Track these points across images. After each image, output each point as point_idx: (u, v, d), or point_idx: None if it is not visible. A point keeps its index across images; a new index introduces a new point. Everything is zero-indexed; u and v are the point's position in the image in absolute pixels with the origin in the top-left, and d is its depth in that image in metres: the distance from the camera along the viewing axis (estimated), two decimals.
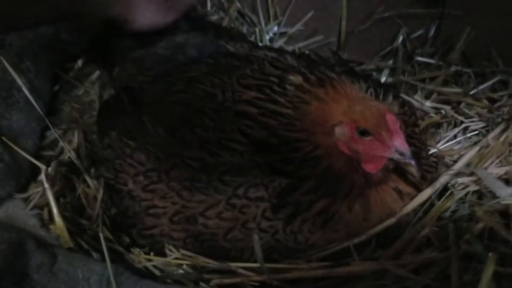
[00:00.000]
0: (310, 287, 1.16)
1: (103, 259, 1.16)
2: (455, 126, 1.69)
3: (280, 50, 1.67)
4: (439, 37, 2.04)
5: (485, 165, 1.35)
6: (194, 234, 1.21)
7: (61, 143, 1.52)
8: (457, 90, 1.80)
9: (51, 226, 1.21)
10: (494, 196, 1.21)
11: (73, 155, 1.48)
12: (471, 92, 1.76)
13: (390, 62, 2.09)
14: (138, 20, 1.40)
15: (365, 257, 1.20)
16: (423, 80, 1.94)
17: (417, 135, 1.42)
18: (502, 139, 1.40)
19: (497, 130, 1.46)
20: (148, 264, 1.24)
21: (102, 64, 1.77)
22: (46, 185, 1.27)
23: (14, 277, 1.14)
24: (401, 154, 1.08)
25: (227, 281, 1.17)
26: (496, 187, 1.20)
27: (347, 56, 2.16)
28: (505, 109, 1.54)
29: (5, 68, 1.46)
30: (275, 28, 2.23)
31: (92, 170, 1.47)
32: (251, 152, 1.19)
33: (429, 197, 1.26)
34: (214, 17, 2.25)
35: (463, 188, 1.28)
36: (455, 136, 1.63)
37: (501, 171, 1.29)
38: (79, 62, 1.85)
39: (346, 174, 1.15)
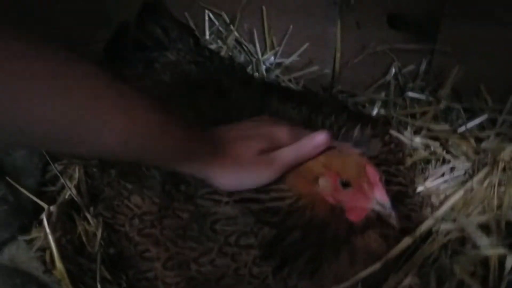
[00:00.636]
0: None
1: None
2: (444, 162, 1.74)
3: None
4: (430, 72, 2.09)
5: (469, 210, 1.40)
6: (187, 279, 1.25)
7: (61, 179, 1.58)
8: (446, 127, 1.85)
9: (54, 272, 1.26)
10: (475, 245, 1.25)
11: (74, 192, 1.53)
12: (459, 130, 1.81)
13: (383, 94, 2.14)
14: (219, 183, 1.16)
15: None
16: (413, 115, 2.00)
17: (402, 172, 1.47)
18: (485, 184, 1.45)
19: (481, 174, 1.49)
20: None
21: None
22: (48, 230, 1.32)
23: None
24: (382, 205, 1.14)
25: None
26: (477, 237, 1.24)
27: (341, 87, 2.21)
28: (490, 152, 1.58)
29: None
30: (272, 59, 2.29)
31: (92, 208, 1.51)
32: (233, 201, 1.23)
33: (413, 242, 1.31)
34: (213, 46, 2.31)
35: (446, 235, 1.32)
36: (442, 175, 1.68)
37: (482, 218, 1.34)
38: None
39: (331, 223, 1.20)
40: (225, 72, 1.77)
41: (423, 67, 2.11)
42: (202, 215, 1.24)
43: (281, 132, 1.18)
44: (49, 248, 1.34)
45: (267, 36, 2.31)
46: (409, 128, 1.84)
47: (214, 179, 1.13)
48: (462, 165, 1.66)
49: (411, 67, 2.13)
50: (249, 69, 2.26)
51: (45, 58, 0.83)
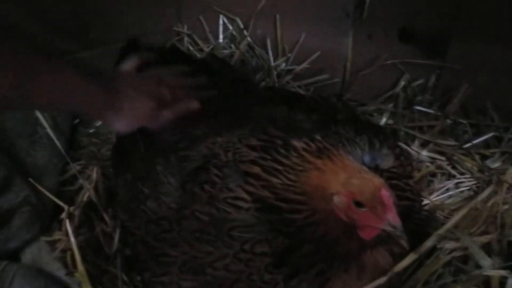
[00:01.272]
0: None
1: None
2: (449, 177, 1.79)
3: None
4: (439, 87, 2.14)
5: (472, 229, 1.44)
6: (202, 284, 1.30)
7: (80, 180, 1.63)
8: (452, 143, 1.90)
9: (76, 274, 1.31)
10: (477, 264, 1.31)
11: (92, 193, 1.58)
12: (465, 146, 1.86)
13: (391, 105, 2.18)
14: (115, 127, 1.46)
15: None
16: (421, 128, 2.05)
17: (411, 186, 1.50)
18: (489, 203, 1.50)
19: (486, 193, 1.53)
20: None
21: None
22: (71, 233, 1.37)
23: None
24: (393, 227, 1.19)
25: None
26: (479, 257, 1.30)
27: (350, 96, 2.26)
28: (495, 171, 1.63)
29: None
30: (283, 65, 2.33)
31: (110, 210, 1.57)
32: (254, 210, 1.28)
33: (419, 257, 1.36)
34: (226, 51, 2.36)
35: (449, 253, 1.37)
36: (447, 189, 1.74)
37: (485, 239, 1.39)
38: None
39: (343, 240, 1.25)
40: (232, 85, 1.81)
41: (431, 82, 2.15)
42: (221, 220, 1.29)
43: (165, 92, 1.49)
44: (71, 249, 1.38)
45: (279, 42, 2.35)
46: (416, 141, 1.88)
47: (111, 123, 1.42)
48: (467, 182, 1.70)
49: (420, 81, 2.18)
50: (260, 74, 2.30)
51: None
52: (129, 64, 1.56)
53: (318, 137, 1.34)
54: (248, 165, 1.34)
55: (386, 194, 1.20)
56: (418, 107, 2.11)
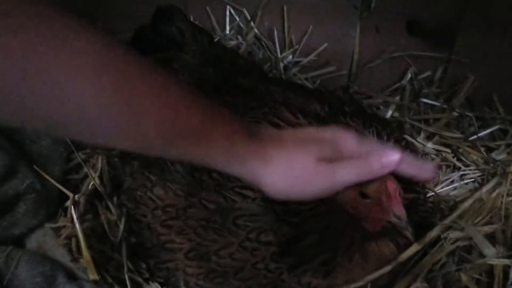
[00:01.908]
0: None
1: None
2: (454, 169, 1.79)
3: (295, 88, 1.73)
4: (445, 80, 2.14)
5: (477, 220, 1.44)
6: (206, 271, 1.31)
7: (85, 168, 1.63)
8: (457, 135, 1.89)
9: (81, 260, 1.32)
10: (481, 253, 1.31)
11: (97, 182, 1.59)
12: (470, 138, 1.85)
13: (397, 98, 2.18)
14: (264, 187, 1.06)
15: None
16: (427, 120, 2.05)
17: None
18: (494, 194, 1.50)
19: (491, 184, 1.54)
20: None
21: None
22: (76, 220, 1.37)
23: None
24: (398, 218, 1.19)
25: None
26: (483, 246, 1.29)
27: (357, 88, 2.26)
28: (500, 163, 1.63)
29: None
30: (290, 57, 2.34)
31: (115, 198, 1.57)
32: (260, 199, 1.28)
33: (423, 247, 1.36)
34: (233, 42, 2.36)
35: (454, 242, 1.37)
36: (452, 181, 1.74)
37: (489, 229, 1.38)
38: None
39: (348, 231, 1.26)
40: (243, 71, 1.80)
41: (438, 74, 2.16)
42: (227, 209, 1.29)
43: (349, 141, 1.06)
44: (76, 236, 1.39)
45: (286, 34, 2.35)
46: (422, 134, 1.88)
47: (260, 185, 1.04)
48: (472, 174, 1.70)
49: (426, 74, 2.19)
50: (267, 66, 2.30)
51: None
52: None
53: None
54: None
55: (392, 185, 1.20)
56: (424, 100, 2.11)
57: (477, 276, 1.28)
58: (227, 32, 2.41)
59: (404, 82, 2.20)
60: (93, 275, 1.32)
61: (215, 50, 1.86)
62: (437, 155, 1.84)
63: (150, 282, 1.39)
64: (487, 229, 1.39)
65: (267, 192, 1.05)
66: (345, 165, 1.02)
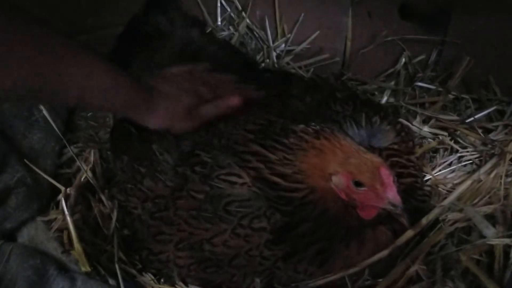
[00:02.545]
0: None
1: (118, 285, 1.26)
2: (451, 152, 1.77)
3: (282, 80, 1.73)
4: (440, 63, 2.12)
5: (475, 201, 1.43)
6: (198, 261, 1.29)
7: (78, 162, 1.61)
8: (454, 117, 1.86)
9: (72, 252, 1.30)
10: (481, 234, 1.29)
11: (89, 175, 1.57)
12: (467, 120, 1.83)
13: (392, 83, 2.16)
14: (148, 125, 1.41)
15: (359, 285, 1.29)
16: (422, 104, 2.02)
17: (413, 162, 1.49)
18: (492, 175, 1.48)
19: (489, 165, 1.52)
20: None
21: None
22: (66, 212, 1.36)
23: None
24: (394, 205, 1.17)
25: None
26: (482, 226, 1.27)
27: (351, 75, 2.23)
28: (498, 143, 1.60)
29: None
30: (282, 46, 2.31)
31: (107, 191, 1.55)
32: (250, 183, 1.27)
33: (421, 230, 1.34)
34: (225, 33, 2.34)
35: (452, 224, 1.35)
36: (450, 164, 1.71)
37: (488, 209, 1.37)
38: None
39: (342, 219, 1.23)
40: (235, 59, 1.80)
41: (433, 58, 2.14)
42: (217, 196, 1.28)
43: (205, 88, 1.45)
44: (67, 229, 1.38)
45: (278, 23, 2.33)
46: (418, 117, 1.86)
47: (148, 123, 1.39)
48: (469, 155, 1.68)
49: (421, 58, 2.17)
50: (260, 55, 2.28)
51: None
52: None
53: (313, 124, 1.31)
54: (245, 145, 1.33)
55: (385, 172, 1.18)
56: (419, 84, 2.10)
57: (477, 256, 1.26)
58: (219, 23, 2.39)
59: (398, 67, 2.18)
60: (84, 267, 1.30)
61: (208, 39, 1.85)
62: (434, 139, 1.81)
63: (143, 273, 1.36)
64: (486, 209, 1.38)
65: (152, 127, 1.41)
66: (203, 108, 1.43)
